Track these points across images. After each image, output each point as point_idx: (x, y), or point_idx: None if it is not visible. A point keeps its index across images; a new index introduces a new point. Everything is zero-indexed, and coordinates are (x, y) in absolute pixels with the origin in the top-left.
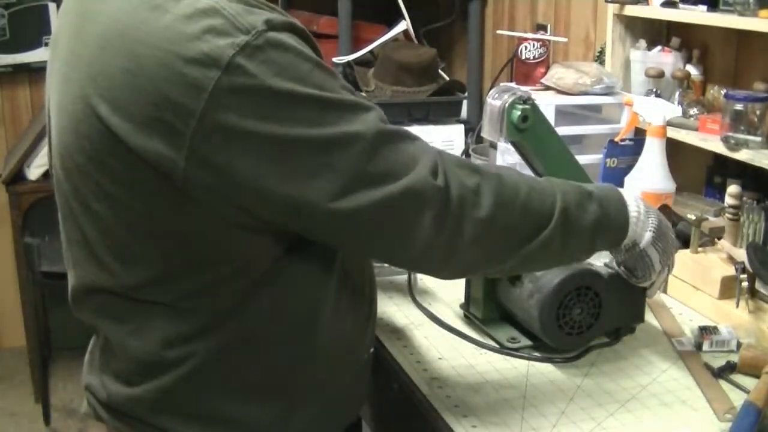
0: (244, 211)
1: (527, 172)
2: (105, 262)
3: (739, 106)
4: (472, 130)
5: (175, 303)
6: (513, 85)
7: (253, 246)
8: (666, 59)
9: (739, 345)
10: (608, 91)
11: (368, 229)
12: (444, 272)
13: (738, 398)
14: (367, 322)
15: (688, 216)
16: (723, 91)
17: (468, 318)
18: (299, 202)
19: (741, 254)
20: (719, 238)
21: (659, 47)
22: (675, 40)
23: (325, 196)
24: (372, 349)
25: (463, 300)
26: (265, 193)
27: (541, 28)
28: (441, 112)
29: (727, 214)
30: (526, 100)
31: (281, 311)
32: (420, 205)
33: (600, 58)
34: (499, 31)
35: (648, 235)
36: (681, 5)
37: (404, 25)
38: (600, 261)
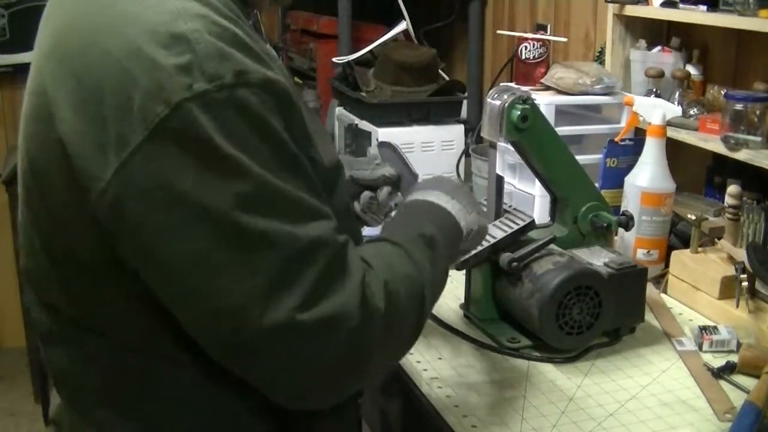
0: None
1: (527, 172)
2: (51, 282)
3: (739, 106)
4: (472, 130)
5: (120, 341)
6: (513, 85)
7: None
8: (666, 59)
9: (739, 345)
10: (608, 91)
11: (263, 352)
12: (335, 401)
13: (738, 398)
14: None
15: (688, 216)
16: (723, 91)
17: (468, 318)
18: (196, 291)
19: (741, 254)
20: (719, 238)
21: (659, 47)
22: (675, 40)
23: (231, 295)
24: (360, 399)
25: (463, 300)
26: (162, 266)
27: (541, 28)
28: (441, 112)
29: (727, 214)
30: (526, 100)
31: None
32: (334, 340)
33: (600, 58)
34: (499, 31)
35: (472, 220)
36: (681, 5)
37: (404, 25)
38: (600, 261)
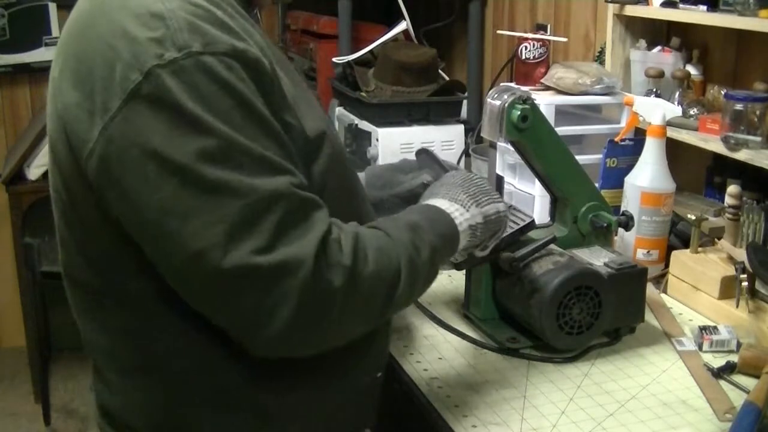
0: (123, 225)
1: (527, 172)
2: (69, 250)
3: (739, 106)
4: (472, 130)
5: (130, 305)
6: (513, 85)
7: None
8: (666, 59)
9: (739, 345)
10: (608, 91)
11: (227, 292)
12: (303, 352)
13: (738, 398)
14: (365, 341)
15: (688, 216)
16: (723, 91)
17: (468, 318)
18: (168, 236)
19: (741, 254)
20: (719, 238)
21: (659, 47)
22: (675, 40)
23: (196, 238)
24: (380, 374)
25: (463, 300)
26: (142, 216)
27: (541, 28)
28: (441, 112)
29: (727, 214)
30: (526, 100)
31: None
32: (289, 284)
33: (600, 58)
34: (499, 31)
35: (476, 212)
36: (681, 5)
37: (404, 25)
38: (600, 261)
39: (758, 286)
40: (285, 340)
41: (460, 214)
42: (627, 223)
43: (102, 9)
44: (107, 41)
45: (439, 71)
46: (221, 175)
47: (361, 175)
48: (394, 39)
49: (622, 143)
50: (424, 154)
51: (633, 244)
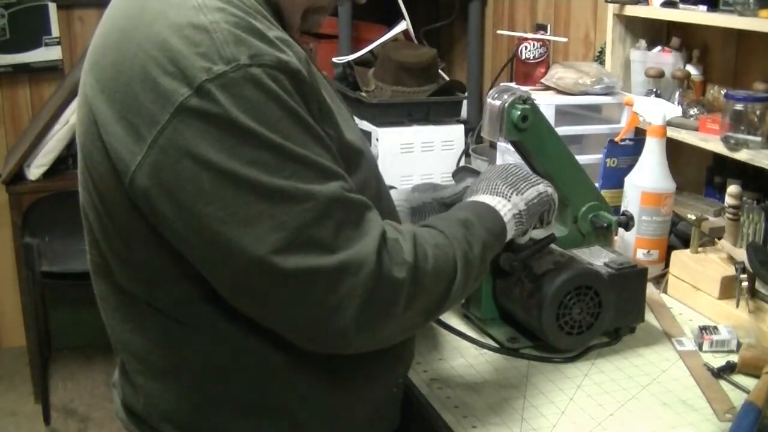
0: (172, 235)
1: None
2: (103, 252)
3: (739, 106)
4: (472, 130)
5: (164, 308)
6: (513, 85)
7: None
8: (666, 59)
9: (739, 345)
10: (608, 91)
11: (291, 295)
12: (367, 348)
13: (738, 398)
14: (398, 345)
15: (688, 216)
16: (723, 91)
17: (468, 318)
18: (226, 244)
19: (741, 254)
20: (719, 238)
21: (659, 47)
22: (675, 40)
23: (257, 245)
24: (401, 380)
25: (463, 300)
26: (198, 225)
27: (541, 28)
28: (441, 112)
29: (727, 214)
30: (526, 99)
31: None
32: (352, 283)
33: (600, 58)
34: (499, 31)
35: (517, 200)
36: (681, 5)
37: (404, 25)
38: (600, 261)
39: (758, 286)
40: (352, 337)
41: (503, 205)
42: (627, 223)
43: (140, 19)
44: (148, 53)
45: (439, 71)
46: (278, 183)
47: (406, 187)
48: (394, 39)
49: (622, 143)
50: (462, 171)
51: (633, 244)
